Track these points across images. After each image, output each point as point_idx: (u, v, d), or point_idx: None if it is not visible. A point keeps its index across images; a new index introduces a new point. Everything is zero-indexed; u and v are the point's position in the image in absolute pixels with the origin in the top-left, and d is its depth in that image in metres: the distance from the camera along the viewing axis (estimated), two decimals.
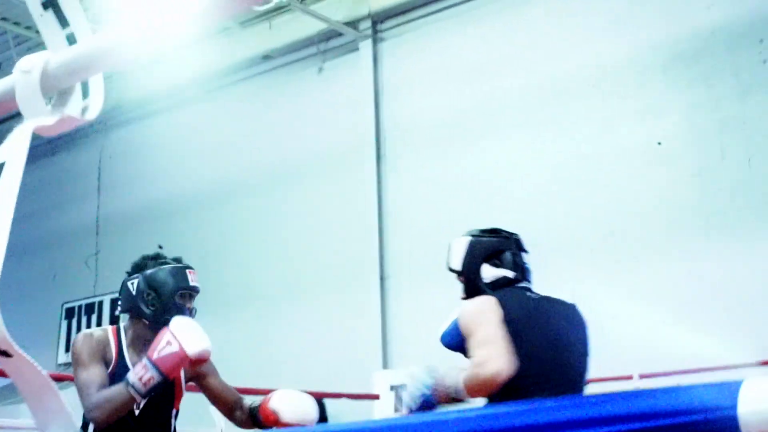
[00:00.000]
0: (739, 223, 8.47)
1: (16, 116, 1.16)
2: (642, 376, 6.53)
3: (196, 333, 3.47)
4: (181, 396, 3.85)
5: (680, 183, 8.87)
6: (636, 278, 8.81)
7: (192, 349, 3.37)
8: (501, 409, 0.89)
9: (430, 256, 10.08)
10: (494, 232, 3.64)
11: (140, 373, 3.33)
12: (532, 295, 3.41)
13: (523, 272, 3.50)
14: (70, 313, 13.63)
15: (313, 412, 3.75)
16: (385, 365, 9.96)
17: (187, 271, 3.90)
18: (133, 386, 3.31)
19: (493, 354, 3.04)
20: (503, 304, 3.23)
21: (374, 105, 11.05)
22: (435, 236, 10.16)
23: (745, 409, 0.90)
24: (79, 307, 13.57)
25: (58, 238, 13.98)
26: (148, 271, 3.87)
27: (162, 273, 3.86)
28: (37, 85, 1.15)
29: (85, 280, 13.54)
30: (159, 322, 3.65)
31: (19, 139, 1.21)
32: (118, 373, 3.59)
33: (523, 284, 3.48)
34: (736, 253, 8.41)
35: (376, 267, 10.49)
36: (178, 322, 3.50)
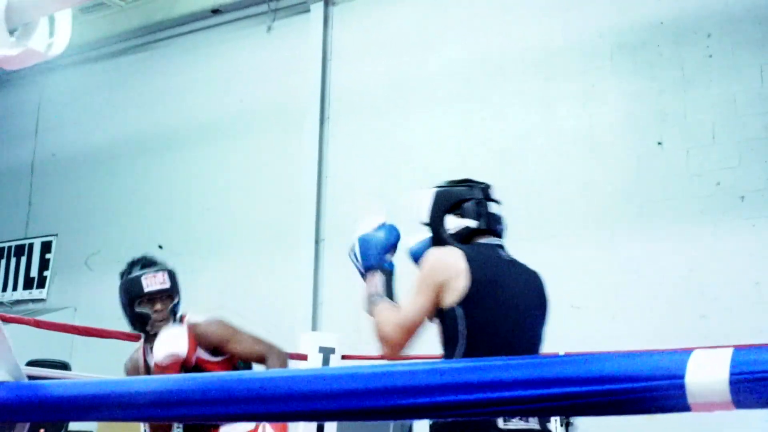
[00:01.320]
0: (671, 213, 8.62)
1: None
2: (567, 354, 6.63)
3: (162, 342, 3.80)
4: (214, 363, 4.07)
5: (616, 170, 9.00)
6: (563, 263, 8.94)
7: (157, 358, 3.73)
8: (453, 364, 0.89)
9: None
10: (463, 182, 3.43)
11: None
12: (503, 255, 3.26)
13: (488, 221, 3.27)
14: None
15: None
16: (314, 327, 10.00)
17: (143, 277, 4.06)
18: None
19: (400, 335, 3.02)
20: (470, 262, 3.07)
21: (321, 68, 11.03)
22: (372, 202, 10.21)
23: (693, 378, 0.91)
24: (9, 248, 13.39)
25: None
26: (120, 282, 4.19)
27: (122, 284, 4.16)
28: (1, 16, 1.15)
29: (17, 222, 13.36)
30: (138, 329, 4.14)
31: None
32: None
33: (493, 239, 3.29)
34: (665, 243, 8.57)
35: (311, 229, 10.50)
36: (160, 335, 3.89)
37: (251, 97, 11.53)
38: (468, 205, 3.28)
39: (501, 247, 3.28)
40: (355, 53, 10.95)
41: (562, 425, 8.59)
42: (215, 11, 12.10)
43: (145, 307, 4.06)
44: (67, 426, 9.07)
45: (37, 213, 13.28)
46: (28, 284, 13.05)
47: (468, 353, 2.95)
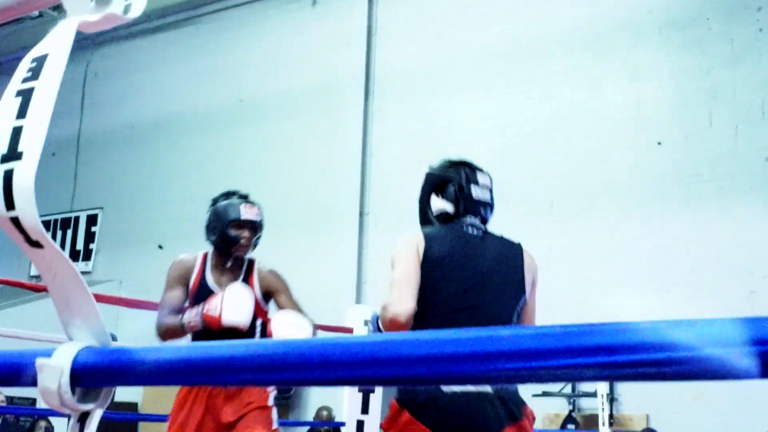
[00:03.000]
0: (720, 190, 8.54)
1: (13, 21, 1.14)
2: None
3: (239, 305, 4.00)
4: (263, 310, 4.35)
5: (664, 148, 8.91)
6: (609, 242, 8.90)
7: (226, 319, 3.92)
8: (421, 335, 0.86)
9: (409, 196, 10.11)
10: (455, 164, 3.47)
11: (191, 318, 4.01)
12: (472, 232, 3.26)
13: (466, 206, 3.30)
14: (45, 226, 13.41)
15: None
16: (358, 301, 10.02)
17: (242, 205, 4.41)
18: (183, 325, 4.01)
19: (395, 298, 3.07)
20: (428, 242, 3.17)
21: (366, 44, 11.00)
22: (416, 177, 10.20)
23: None
24: (55, 221, 13.53)
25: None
26: (216, 205, 4.46)
27: (220, 206, 4.43)
28: None
29: (63, 195, 13.48)
30: (220, 249, 4.37)
31: (63, 33, 1.20)
32: (198, 292, 4.28)
33: (468, 218, 3.30)
34: (713, 220, 8.49)
35: (356, 203, 10.52)
36: (232, 290, 4.04)
37: (296, 73, 11.52)
38: (449, 187, 3.36)
39: (473, 225, 3.28)
40: (399, 29, 10.90)
41: (607, 400, 8.57)
42: None
43: (235, 231, 4.36)
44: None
45: (82, 187, 13.39)
46: (74, 257, 13.17)
47: (418, 326, 3.03)
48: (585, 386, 8.66)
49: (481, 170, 3.44)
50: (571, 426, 8.48)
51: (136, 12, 1.21)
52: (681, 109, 8.93)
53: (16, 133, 1.21)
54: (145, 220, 12.38)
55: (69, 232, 13.34)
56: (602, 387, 6.80)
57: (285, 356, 0.93)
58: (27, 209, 1.16)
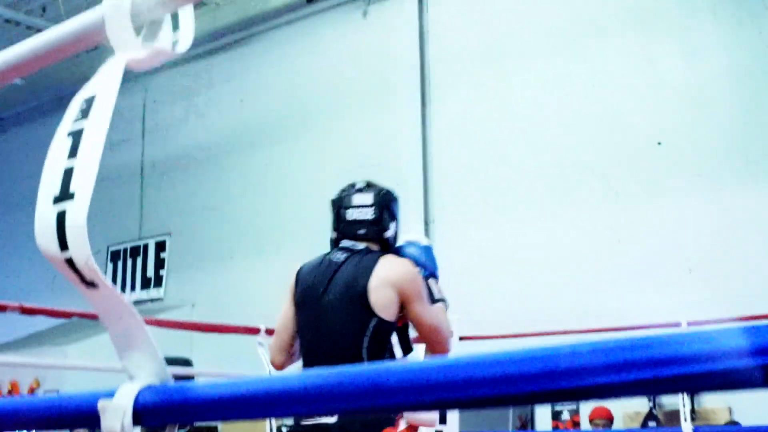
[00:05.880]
0: None
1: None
2: (691, 323, 6.45)
3: None
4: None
5: (723, 124, 8.78)
6: (675, 224, 8.79)
7: None
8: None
9: (475, 200, 10.09)
10: (342, 190, 3.66)
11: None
12: (337, 259, 3.39)
13: (342, 230, 3.48)
14: (115, 256, 13.77)
15: None
16: None
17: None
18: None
19: (270, 347, 3.58)
20: (296, 283, 3.48)
21: (419, 47, 10.99)
22: (480, 178, 10.16)
23: None
24: (125, 250, 13.70)
25: (104, 180, 14.02)
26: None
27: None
28: (127, 16, 1.13)
29: (130, 224, 13.65)
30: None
31: (111, 73, 1.20)
32: None
33: (342, 243, 3.46)
34: None
35: (420, 211, 10.49)
36: None
37: (351, 83, 11.55)
38: (334, 215, 3.58)
39: (343, 249, 3.42)
40: (451, 28, 10.87)
41: (687, 395, 8.42)
42: (309, 1, 12.14)
43: None
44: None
45: (149, 214, 13.55)
46: (145, 284, 13.33)
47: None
48: None
49: (362, 190, 3.55)
50: (652, 423, 8.35)
51: (183, 46, 1.20)
52: (737, 85, 8.79)
53: (68, 173, 1.21)
54: (212, 241, 12.49)
55: (139, 260, 13.50)
56: None
57: (337, 386, 0.92)
58: (80, 249, 1.15)
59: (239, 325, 6.35)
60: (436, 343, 3.33)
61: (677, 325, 6.24)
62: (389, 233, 3.47)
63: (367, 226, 3.44)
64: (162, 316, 11.59)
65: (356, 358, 3.19)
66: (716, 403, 8.40)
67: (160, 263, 13.27)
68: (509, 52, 10.27)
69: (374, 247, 3.41)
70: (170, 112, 13.62)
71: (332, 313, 3.28)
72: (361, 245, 3.40)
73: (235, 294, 11.50)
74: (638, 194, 9.11)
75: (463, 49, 10.67)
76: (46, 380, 10.68)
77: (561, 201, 9.55)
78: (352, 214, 3.48)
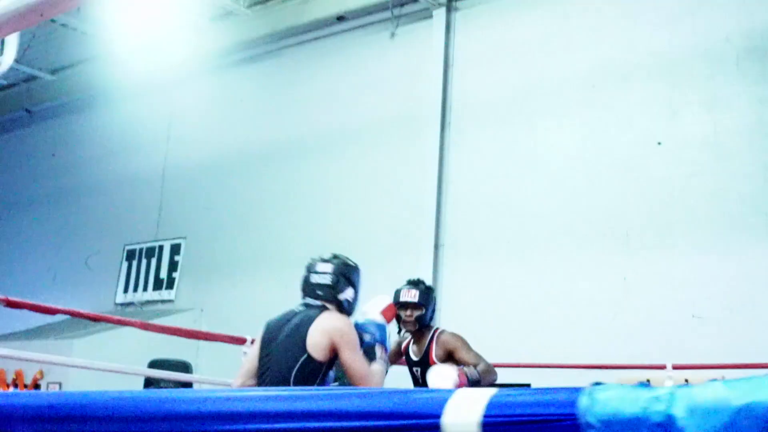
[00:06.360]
0: None
1: None
2: (675, 367, 6.49)
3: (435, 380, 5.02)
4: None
5: (742, 178, 8.78)
6: (687, 272, 8.79)
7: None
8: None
9: (486, 229, 10.13)
10: (312, 259, 4.52)
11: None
12: (296, 310, 4.27)
13: (305, 290, 4.34)
14: (131, 255, 13.88)
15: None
16: None
17: (402, 290, 5.53)
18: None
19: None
20: (263, 332, 4.32)
21: (443, 75, 11.05)
22: (492, 210, 10.21)
23: (449, 419, 0.90)
24: (140, 250, 13.81)
25: (125, 181, 14.20)
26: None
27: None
28: None
29: (148, 225, 13.76)
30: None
31: None
32: (406, 358, 5.62)
33: (305, 300, 4.31)
34: None
35: (431, 235, 10.53)
36: (433, 373, 5.07)
37: (374, 104, 11.63)
38: (302, 279, 4.40)
39: (303, 304, 4.30)
40: (477, 60, 10.93)
41: None
42: (340, 18, 12.24)
43: (399, 311, 5.33)
44: None
45: (167, 217, 13.65)
46: (158, 285, 13.43)
47: None
48: None
49: (326, 260, 4.39)
50: None
51: (3, 68, 1.28)
52: (760, 140, 8.79)
53: None
54: (226, 250, 12.58)
55: (153, 261, 13.60)
56: None
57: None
58: None
59: (239, 334, 6.42)
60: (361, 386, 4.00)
61: (662, 367, 6.29)
62: (343, 296, 4.28)
63: (324, 289, 4.27)
64: (171, 318, 11.71)
65: (284, 385, 3.99)
66: None
67: (173, 266, 13.36)
68: (532, 94, 10.31)
69: (330, 306, 4.23)
70: (195, 121, 13.72)
71: (277, 350, 4.13)
72: (318, 303, 4.25)
73: (243, 304, 11.58)
74: (651, 243, 9.12)
75: (487, 83, 10.72)
76: (50, 372, 10.77)
77: (571, 244, 9.57)
78: (314, 278, 4.32)
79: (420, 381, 5.44)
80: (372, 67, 11.86)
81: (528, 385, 9.33)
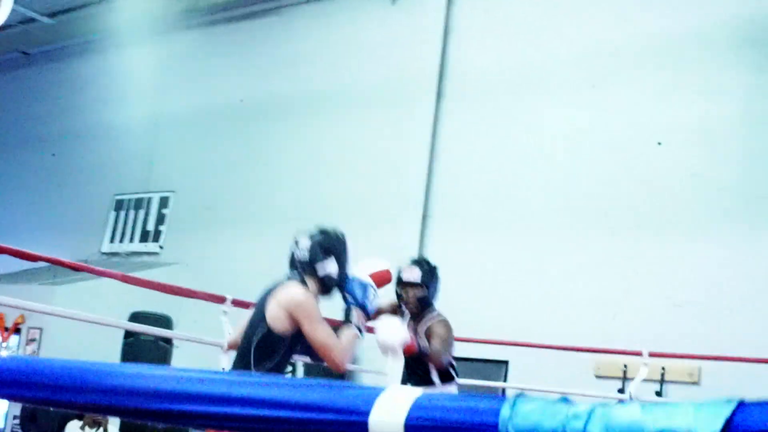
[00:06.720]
0: None
1: None
2: (651, 354, 6.51)
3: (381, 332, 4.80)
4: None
5: (724, 165, 8.80)
6: (667, 258, 8.83)
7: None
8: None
9: (475, 203, 10.13)
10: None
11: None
12: (279, 281, 4.20)
13: (291, 264, 4.27)
14: (119, 205, 13.86)
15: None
16: None
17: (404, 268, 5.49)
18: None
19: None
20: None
21: (442, 44, 11.00)
22: (483, 184, 10.21)
23: (376, 417, 0.90)
24: (129, 200, 13.78)
25: (116, 130, 14.13)
26: None
27: None
28: None
29: (138, 176, 13.72)
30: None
31: None
32: None
33: (289, 273, 4.25)
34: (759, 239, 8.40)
35: (420, 204, 10.53)
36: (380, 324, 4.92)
37: (371, 68, 11.59)
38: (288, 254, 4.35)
39: (286, 276, 4.23)
40: (476, 31, 10.88)
41: None
42: None
43: (400, 289, 5.30)
44: None
45: (157, 169, 13.61)
46: (144, 237, 13.42)
47: None
48: None
49: (307, 236, 4.28)
50: None
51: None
52: (746, 129, 8.81)
53: None
54: (214, 207, 12.57)
55: (141, 213, 13.59)
56: None
57: None
58: None
59: (222, 292, 6.39)
60: (326, 358, 3.99)
61: (638, 354, 6.33)
62: (323, 271, 4.17)
63: (302, 264, 4.19)
64: (155, 271, 11.70)
65: (247, 357, 4.04)
66: None
67: (161, 219, 13.35)
68: (533, 69, 10.29)
69: (310, 279, 4.16)
70: (189, 73, 13.65)
71: (249, 322, 4.16)
72: (297, 276, 4.19)
73: (227, 261, 11.60)
74: (635, 228, 9.13)
75: (486, 55, 10.69)
76: (31, 317, 10.77)
77: (559, 225, 9.59)
78: (297, 254, 4.23)
79: (408, 364, 5.24)
80: (371, 31, 11.80)
81: (506, 363, 9.37)
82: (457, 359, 5.49)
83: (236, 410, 0.90)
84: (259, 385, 0.93)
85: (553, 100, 10.01)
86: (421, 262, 5.48)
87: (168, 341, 9.82)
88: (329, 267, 4.17)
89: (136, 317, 9.38)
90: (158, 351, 9.74)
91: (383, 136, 11.15)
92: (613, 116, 9.57)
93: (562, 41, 10.13)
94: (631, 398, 6.36)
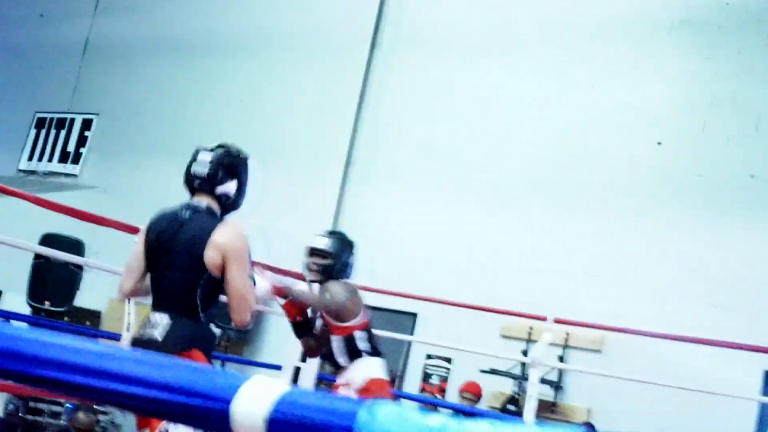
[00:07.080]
0: (702, 199, 8.59)
1: None
2: (556, 321, 6.60)
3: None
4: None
5: (650, 148, 8.95)
6: (586, 232, 8.97)
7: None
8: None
9: (400, 157, 10.15)
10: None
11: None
12: (183, 216, 3.92)
13: (187, 185, 4.03)
14: (41, 123, 13.57)
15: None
16: None
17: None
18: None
19: (122, 278, 4.20)
20: (147, 231, 4.01)
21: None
22: (410, 139, 10.22)
23: (239, 406, 0.89)
24: (51, 119, 13.51)
25: (43, 47, 13.81)
26: None
27: None
28: None
29: (62, 95, 13.45)
30: None
31: None
32: None
33: (190, 200, 4.00)
34: (690, 224, 8.56)
35: (344, 151, 10.52)
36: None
37: (307, 9, 11.48)
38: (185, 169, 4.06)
39: (188, 207, 3.93)
40: None
41: (552, 387, 8.66)
42: None
43: (306, 257, 5.27)
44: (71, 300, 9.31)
45: (82, 90, 13.35)
46: (64, 158, 13.20)
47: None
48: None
49: (209, 149, 4.03)
50: (511, 407, 8.56)
51: None
52: (678, 113, 8.96)
53: None
54: (137, 135, 12.39)
55: (63, 133, 13.33)
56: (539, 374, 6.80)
57: None
58: None
59: (137, 222, 6.30)
60: (237, 309, 3.81)
61: (543, 319, 6.45)
62: (222, 189, 3.94)
63: (202, 180, 3.94)
64: (72, 194, 11.52)
65: (192, 305, 3.80)
66: (578, 402, 8.64)
67: (82, 141, 13.12)
68: (480, 30, 10.26)
69: (214, 205, 3.93)
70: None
71: (175, 265, 3.84)
72: (203, 204, 3.92)
73: (146, 190, 11.43)
74: (560, 199, 9.25)
75: (426, 13, 10.64)
76: None
77: (484, 189, 9.65)
78: (194, 168, 3.97)
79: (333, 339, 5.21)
80: None
81: (414, 315, 9.47)
82: (369, 308, 5.46)
83: (93, 382, 0.90)
84: (123, 359, 0.93)
85: (492, 62, 10.02)
86: (335, 234, 5.50)
87: (79, 266, 9.69)
88: (229, 186, 3.96)
89: (47, 239, 9.22)
90: (67, 274, 9.60)
91: (317, 80, 11.07)
92: (554, 87, 9.63)
93: (508, 5, 10.15)
94: (532, 361, 6.46)
